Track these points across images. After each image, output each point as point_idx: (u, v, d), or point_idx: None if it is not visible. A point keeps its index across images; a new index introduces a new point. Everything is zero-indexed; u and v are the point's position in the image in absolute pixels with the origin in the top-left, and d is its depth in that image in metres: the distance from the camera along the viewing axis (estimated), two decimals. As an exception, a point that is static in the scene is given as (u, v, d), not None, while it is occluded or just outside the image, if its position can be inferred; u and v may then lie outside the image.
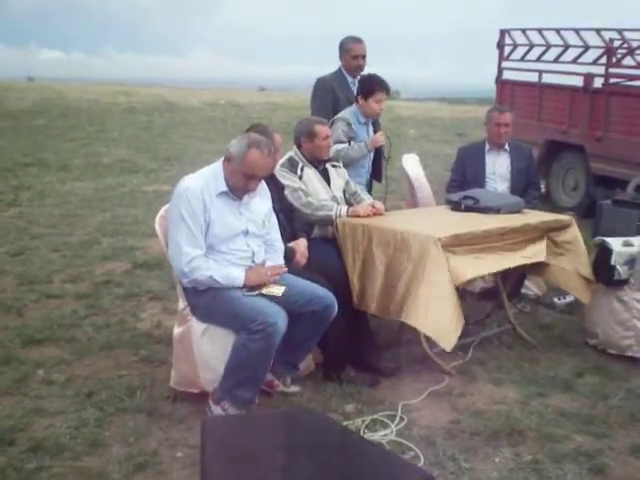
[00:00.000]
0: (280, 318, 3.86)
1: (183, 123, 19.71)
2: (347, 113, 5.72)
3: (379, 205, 5.02)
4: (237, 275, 3.98)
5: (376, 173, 6.07)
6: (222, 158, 4.11)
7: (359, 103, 5.71)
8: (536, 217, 5.22)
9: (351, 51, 6.08)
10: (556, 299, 6.10)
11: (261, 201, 4.23)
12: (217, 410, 3.93)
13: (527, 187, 6.07)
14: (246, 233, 4.08)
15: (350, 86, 6.12)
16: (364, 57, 6.11)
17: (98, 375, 4.56)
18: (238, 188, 4.02)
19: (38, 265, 6.83)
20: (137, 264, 6.91)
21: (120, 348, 4.98)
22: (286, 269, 4.06)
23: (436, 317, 4.40)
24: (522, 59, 11.18)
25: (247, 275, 3.99)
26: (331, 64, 6.27)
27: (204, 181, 4.00)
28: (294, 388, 4.39)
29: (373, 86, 5.66)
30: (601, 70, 10.20)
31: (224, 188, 4.01)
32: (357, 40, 6.13)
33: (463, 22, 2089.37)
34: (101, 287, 6.25)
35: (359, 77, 6.05)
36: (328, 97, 6.08)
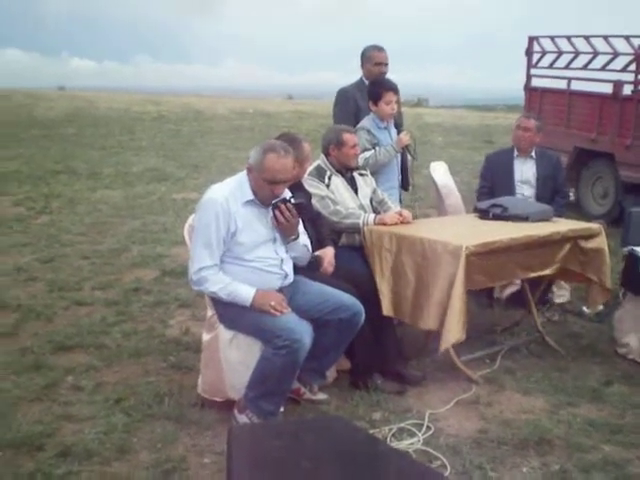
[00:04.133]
0: (305, 334, 3.86)
1: (211, 131, 19.85)
2: (365, 121, 5.74)
3: (406, 213, 5.02)
4: (246, 297, 3.95)
5: (403, 181, 6.06)
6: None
7: (372, 109, 5.72)
8: (565, 225, 5.19)
9: (373, 59, 6.08)
10: (585, 308, 6.05)
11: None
12: (242, 419, 3.94)
13: (554, 195, 6.07)
14: (274, 241, 4.09)
15: None
16: (386, 65, 6.10)
17: (127, 381, 4.59)
18: (266, 197, 4.00)
19: (68, 272, 6.90)
20: (166, 272, 6.95)
21: (148, 355, 5.01)
22: (289, 310, 4.00)
23: (450, 323, 4.41)
24: (551, 66, 11.14)
25: (255, 298, 3.95)
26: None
27: (229, 190, 4.01)
28: (321, 396, 4.40)
29: (379, 89, 5.68)
30: (630, 77, 10.11)
31: (250, 197, 4.01)
32: (378, 48, 6.14)
33: (493, 28, 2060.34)
34: (130, 294, 6.29)
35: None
36: (350, 107, 6.08)
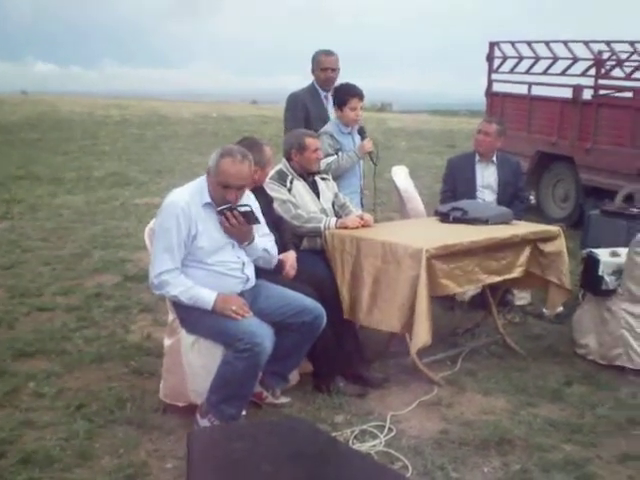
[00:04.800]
0: (267, 338, 3.86)
1: (174, 136, 19.76)
2: (329, 126, 5.74)
3: (367, 217, 5.05)
4: (207, 300, 3.94)
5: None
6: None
7: (337, 114, 5.74)
8: (524, 228, 5.26)
9: (320, 64, 6.05)
10: (545, 309, 6.12)
11: (246, 201, 4.17)
12: (204, 423, 3.92)
13: (514, 199, 6.13)
14: (233, 245, 4.09)
15: (322, 100, 6.09)
16: (334, 70, 6.05)
17: (88, 387, 4.56)
18: (220, 201, 3.99)
19: (29, 278, 6.83)
20: (128, 277, 6.92)
21: (110, 360, 4.99)
22: (250, 314, 4.00)
23: (418, 327, 4.43)
24: (511, 71, 11.25)
25: (216, 301, 3.95)
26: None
27: (189, 194, 4.01)
28: (283, 399, 4.40)
29: (344, 95, 5.68)
30: (590, 82, 10.25)
31: (208, 200, 4.01)
32: (327, 53, 6.10)
33: (455, 35, 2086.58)
34: (92, 300, 6.25)
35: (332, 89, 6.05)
36: (299, 112, 6.05)
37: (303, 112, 6.03)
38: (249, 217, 4.01)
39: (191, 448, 2.27)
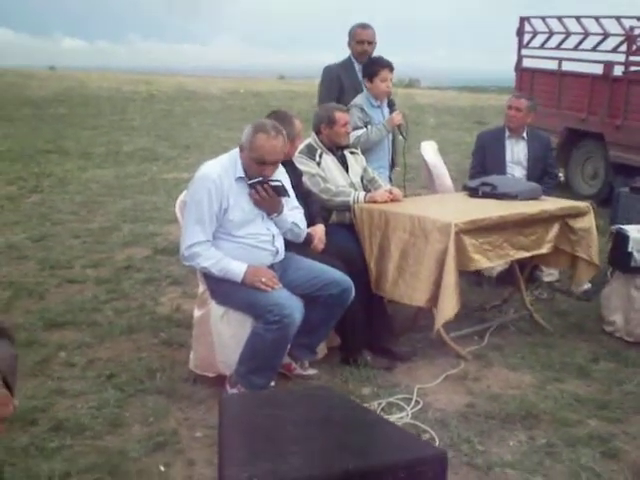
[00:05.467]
0: (296, 310, 3.90)
1: (203, 111, 19.83)
2: (359, 99, 5.73)
3: (396, 191, 5.04)
4: (237, 272, 3.98)
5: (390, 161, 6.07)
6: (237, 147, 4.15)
7: (367, 87, 5.73)
8: (553, 204, 5.22)
9: (357, 36, 6.05)
10: (572, 286, 6.10)
11: (278, 176, 4.20)
12: (233, 392, 3.99)
13: (543, 175, 6.10)
14: (263, 217, 4.12)
15: (357, 73, 6.08)
16: (370, 43, 6.05)
17: (119, 358, 4.63)
18: (253, 175, 4.01)
19: (59, 251, 6.92)
20: (157, 250, 6.99)
21: (140, 331, 5.05)
22: (280, 286, 4.03)
23: (443, 301, 4.44)
24: (542, 47, 11.15)
25: (246, 274, 3.98)
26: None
27: (222, 167, 4.04)
28: (311, 371, 4.45)
29: (375, 66, 5.67)
30: (621, 58, 10.14)
31: (241, 174, 4.03)
32: (363, 26, 6.10)
33: (484, 11, 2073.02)
34: (121, 272, 6.32)
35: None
36: (334, 85, 6.07)
37: (337, 84, 6.06)
38: (279, 190, 4.04)
39: (223, 414, 2.31)
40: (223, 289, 4.07)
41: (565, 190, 9.69)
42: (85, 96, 22.08)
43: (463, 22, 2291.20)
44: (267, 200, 4.03)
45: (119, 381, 4.29)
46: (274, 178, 4.06)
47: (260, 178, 3.98)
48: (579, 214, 5.18)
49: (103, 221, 8.14)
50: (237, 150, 4.10)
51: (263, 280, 3.96)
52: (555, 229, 5.12)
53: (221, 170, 4.01)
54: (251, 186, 4.00)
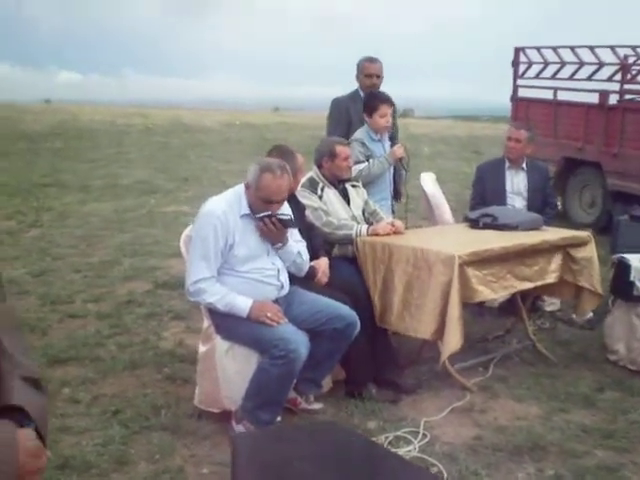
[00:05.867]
0: (302, 345, 3.90)
1: (199, 144, 19.86)
2: (360, 133, 5.76)
3: (398, 223, 5.06)
4: (243, 307, 4.00)
5: (395, 192, 6.11)
6: (242, 184, 4.18)
7: (367, 121, 5.76)
8: (554, 234, 5.25)
9: (365, 70, 6.13)
10: (575, 316, 6.10)
11: (286, 208, 4.26)
12: (239, 429, 3.97)
13: (544, 205, 6.13)
14: (268, 252, 4.14)
15: None
16: (378, 77, 6.13)
17: (123, 394, 4.61)
18: (259, 213, 4.05)
19: (60, 285, 6.91)
20: (158, 284, 6.97)
21: (144, 367, 5.03)
22: (286, 320, 4.04)
23: (449, 333, 4.44)
24: (537, 77, 11.24)
25: (252, 309, 3.99)
26: (342, 85, 6.32)
27: (227, 204, 4.06)
28: (317, 405, 4.44)
29: (374, 101, 5.71)
30: (616, 87, 10.22)
31: (247, 211, 4.06)
32: (371, 60, 6.18)
33: (473, 42, 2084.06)
34: (123, 307, 6.30)
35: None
36: (342, 117, 6.15)
37: (345, 116, 6.11)
38: (286, 223, 4.09)
39: (235, 452, 2.30)
40: (228, 324, 4.07)
41: (563, 219, 9.72)
42: (80, 129, 22.11)
43: (452, 53, 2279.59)
44: (274, 232, 4.06)
45: (124, 417, 4.27)
46: (281, 212, 4.10)
47: (268, 212, 4.02)
48: (580, 244, 5.21)
49: (103, 255, 8.13)
50: (242, 186, 4.12)
51: (269, 315, 3.97)
52: (557, 259, 5.14)
53: (226, 206, 4.04)
54: (259, 219, 4.03)
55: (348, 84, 6.40)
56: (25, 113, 25.80)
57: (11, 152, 16.89)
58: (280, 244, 4.16)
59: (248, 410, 3.97)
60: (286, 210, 4.24)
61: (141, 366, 5.04)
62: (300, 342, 3.90)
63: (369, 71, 6.13)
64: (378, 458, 2.44)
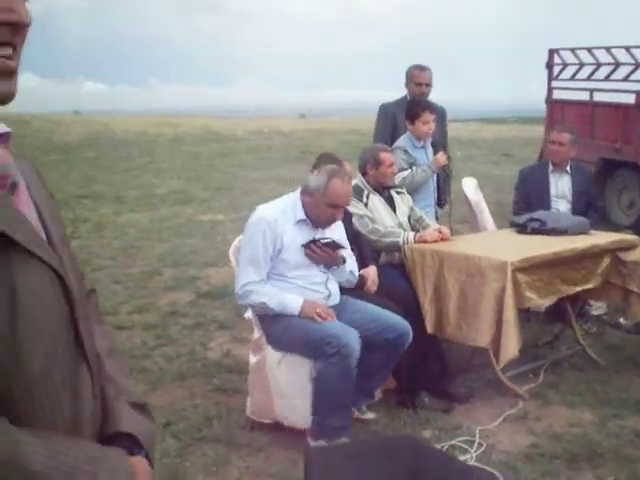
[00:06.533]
0: (353, 339, 3.89)
1: (230, 152, 19.95)
2: (402, 140, 5.74)
3: (445, 230, 5.04)
4: (294, 305, 4.02)
5: (438, 199, 6.07)
6: (297, 190, 4.20)
7: (409, 129, 5.74)
8: (603, 238, 5.19)
9: (415, 78, 6.12)
10: (622, 319, 6.03)
11: (335, 229, 4.29)
12: (317, 444, 3.96)
13: (588, 208, 6.07)
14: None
15: None
16: (427, 85, 6.12)
17: (173, 405, 4.61)
18: (324, 220, 4.12)
19: (103, 296, 6.91)
20: (200, 294, 6.99)
21: (192, 378, 5.04)
22: (335, 318, 4.06)
23: (506, 339, 4.40)
24: (572, 78, 11.15)
25: (303, 306, 4.02)
26: (366, 88, 6.32)
27: (278, 210, 4.10)
28: (370, 415, 4.42)
29: (416, 109, 5.69)
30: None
31: (302, 217, 4.10)
32: (421, 68, 6.16)
33: (496, 43, 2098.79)
34: (168, 317, 6.32)
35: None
36: (389, 122, 6.15)
37: (392, 122, 6.12)
38: (332, 246, 4.13)
39: (310, 468, 2.28)
40: (278, 332, 4.08)
41: (602, 221, 9.60)
42: (112, 139, 22.33)
43: (478, 54, 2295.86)
44: (324, 257, 4.11)
45: (176, 429, 4.27)
46: (325, 237, 4.15)
47: (312, 238, 4.09)
48: (630, 247, 5.14)
49: (143, 265, 8.16)
50: (295, 195, 4.16)
51: (318, 311, 3.99)
52: (605, 263, 5.08)
53: (277, 212, 4.08)
54: (305, 246, 4.08)
55: (371, 86, 6.40)
56: (56, 124, 26.07)
57: (44, 163, 17.02)
58: (335, 266, 4.21)
59: (318, 422, 3.96)
60: (337, 228, 4.31)
61: (189, 377, 5.05)
62: (351, 336, 3.90)
63: (419, 80, 6.11)
64: (459, 472, 2.42)
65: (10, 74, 1.20)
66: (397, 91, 6.39)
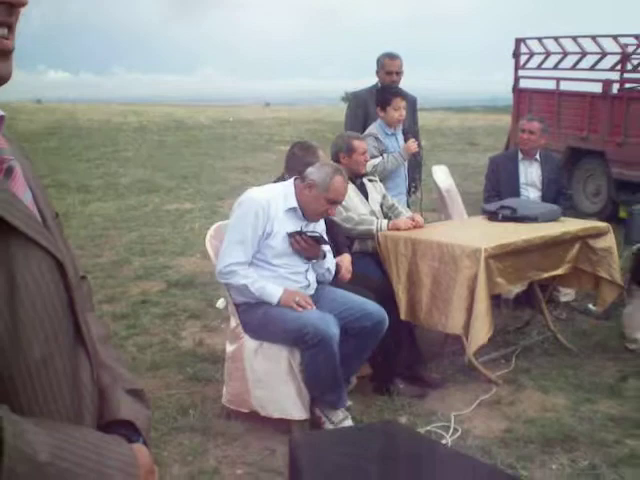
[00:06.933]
0: (331, 325, 3.92)
1: (195, 141, 19.83)
2: (373, 128, 5.74)
3: (419, 218, 5.06)
4: (274, 293, 4.03)
5: (409, 186, 6.09)
6: (291, 179, 4.23)
7: (380, 116, 5.74)
8: (574, 225, 5.26)
9: (385, 66, 6.12)
10: (591, 305, 6.11)
11: (320, 221, 4.33)
12: (318, 412, 4.11)
13: (557, 197, 6.13)
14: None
15: None
16: (398, 73, 6.13)
17: (148, 395, 4.56)
18: (318, 213, 4.15)
19: (72, 286, 6.84)
20: (171, 283, 6.95)
21: (166, 367, 5.00)
22: (313, 307, 4.07)
23: (478, 325, 4.44)
24: (539, 67, 11.23)
25: (282, 295, 4.03)
26: (333, 78, 6.34)
27: (271, 194, 4.10)
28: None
29: (387, 95, 5.70)
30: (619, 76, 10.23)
31: (294, 205, 4.10)
32: (392, 56, 6.17)
33: (463, 33, 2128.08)
34: (138, 307, 6.27)
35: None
36: (360, 111, 6.17)
37: (362, 110, 6.13)
38: (317, 239, 4.15)
39: (295, 453, 2.28)
40: (256, 321, 4.07)
41: (568, 209, 9.71)
42: (75, 128, 22.03)
43: (442, 44, 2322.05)
44: (307, 249, 4.11)
45: (152, 419, 4.23)
46: (310, 230, 4.17)
47: (298, 229, 4.10)
48: (600, 234, 5.21)
49: (112, 255, 8.09)
50: (289, 182, 4.19)
51: (297, 299, 4.00)
52: (575, 250, 5.13)
53: (270, 197, 4.08)
54: (290, 236, 4.08)
55: (339, 76, 6.43)
56: (18, 113, 25.69)
57: (7, 153, 16.77)
58: (315, 259, 4.22)
59: (316, 397, 4.08)
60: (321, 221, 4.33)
61: (163, 367, 5.02)
62: (329, 323, 3.92)
63: (390, 68, 6.12)
64: (444, 456, 2.43)
65: (7, 54, 1.19)
66: (362, 80, 6.41)
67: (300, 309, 3.98)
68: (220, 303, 6.14)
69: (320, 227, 4.33)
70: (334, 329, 3.90)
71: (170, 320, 5.96)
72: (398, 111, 5.64)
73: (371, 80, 6.32)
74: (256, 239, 4.02)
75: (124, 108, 30.88)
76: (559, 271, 5.09)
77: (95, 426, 1.33)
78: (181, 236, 8.93)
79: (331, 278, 4.40)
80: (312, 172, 4.12)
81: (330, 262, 4.34)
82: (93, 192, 12.23)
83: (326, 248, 4.27)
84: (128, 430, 1.39)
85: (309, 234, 4.10)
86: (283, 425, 4.04)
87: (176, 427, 4.15)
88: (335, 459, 2.26)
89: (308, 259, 4.18)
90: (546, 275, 5.03)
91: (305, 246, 4.08)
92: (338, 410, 4.13)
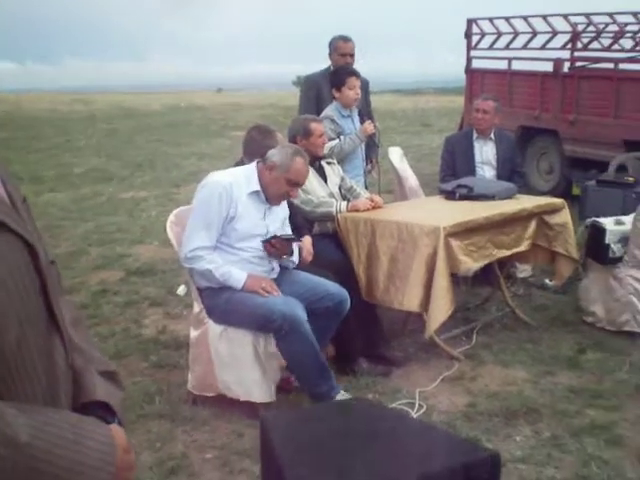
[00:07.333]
0: (297, 308, 3.96)
1: (147, 128, 19.66)
2: (329, 110, 5.74)
3: (377, 199, 5.09)
4: (238, 278, 4.03)
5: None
6: (253, 162, 4.22)
7: (336, 97, 5.75)
8: (530, 201, 5.34)
9: (339, 49, 6.12)
10: (547, 280, 6.21)
11: (282, 204, 4.33)
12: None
13: (512, 175, 6.21)
14: (266, 234, 4.14)
15: None
16: (352, 55, 6.13)
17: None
18: (279, 195, 4.15)
19: (30, 278, 6.76)
20: (130, 271, 6.90)
21: (129, 355, 4.99)
22: (279, 293, 4.09)
23: (438, 303, 4.49)
24: (491, 47, 11.31)
25: (247, 280, 4.04)
26: (285, 62, 6.32)
27: (233, 178, 4.09)
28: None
29: (342, 75, 5.70)
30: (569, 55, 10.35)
31: (257, 188, 4.10)
32: (345, 39, 6.16)
33: (411, 14, 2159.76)
34: (99, 296, 6.22)
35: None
36: (312, 94, 6.15)
37: (314, 93, 6.13)
38: (291, 240, 4.21)
39: (267, 432, 2.30)
40: (221, 306, 4.08)
41: (522, 186, 9.83)
42: (23, 118, 21.69)
43: (387, 26, 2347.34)
44: (280, 250, 4.16)
45: (122, 402, 4.22)
46: (284, 234, 4.22)
47: (273, 234, 4.12)
48: (555, 210, 5.30)
49: (68, 245, 8.00)
50: (252, 165, 4.18)
51: (262, 285, 4.02)
52: (532, 226, 5.22)
53: (233, 180, 4.07)
54: (265, 241, 4.11)
55: (286, 61, 6.41)
56: (-37, 105, 25.23)
57: (-46, 145, 16.50)
58: (285, 257, 4.26)
59: (310, 391, 4.12)
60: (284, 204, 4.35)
61: (126, 355, 5.00)
62: (294, 306, 3.96)
63: (343, 51, 6.11)
64: (416, 430, 2.47)
65: None
66: (315, 64, 6.39)
67: (266, 294, 3.99)
68: (181, 290, 6.13)
69: (284, 212, 4.34)
70: (300, 312, 3.93)
71: (131, 308, 5.92)
72: (353, 90, 5.64)
73: (322, 64, 6.31)
74: (220, 222, 4.01)
75: (70, 97, 30.44)
76: (521, 248, 5.16)
77: (70, 407, 1.34)
78: (138, 224, 8.87)
79: (294, 266, 4.42)
80: (273, 154, 4.13)
81: (295, 255, 4.36)
82: (46, 183, 12.05)
83: (296, 245, 4.31)
84: (104, 411, 1.40)
85: (284, 237, 4.15)
86: (249, 409, 4.05)
87: (143, 414, 4.14)
88: (307, 437, 2.28)
89: (278, 259, 4.23)
90: (509, 252, 5.10)
91: (279, 248, 4.12)
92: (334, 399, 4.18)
